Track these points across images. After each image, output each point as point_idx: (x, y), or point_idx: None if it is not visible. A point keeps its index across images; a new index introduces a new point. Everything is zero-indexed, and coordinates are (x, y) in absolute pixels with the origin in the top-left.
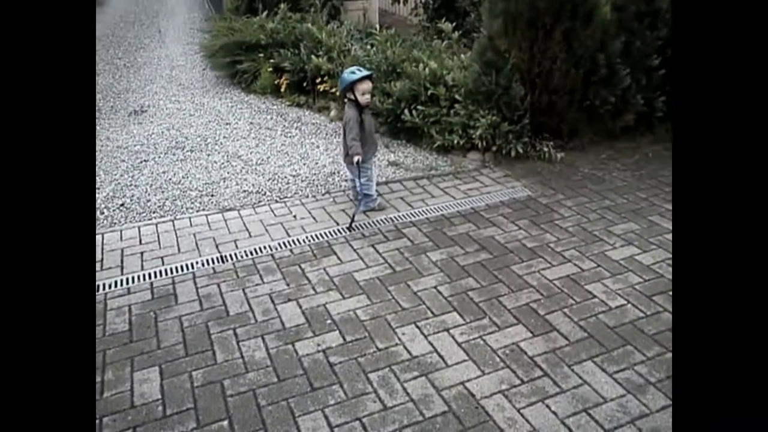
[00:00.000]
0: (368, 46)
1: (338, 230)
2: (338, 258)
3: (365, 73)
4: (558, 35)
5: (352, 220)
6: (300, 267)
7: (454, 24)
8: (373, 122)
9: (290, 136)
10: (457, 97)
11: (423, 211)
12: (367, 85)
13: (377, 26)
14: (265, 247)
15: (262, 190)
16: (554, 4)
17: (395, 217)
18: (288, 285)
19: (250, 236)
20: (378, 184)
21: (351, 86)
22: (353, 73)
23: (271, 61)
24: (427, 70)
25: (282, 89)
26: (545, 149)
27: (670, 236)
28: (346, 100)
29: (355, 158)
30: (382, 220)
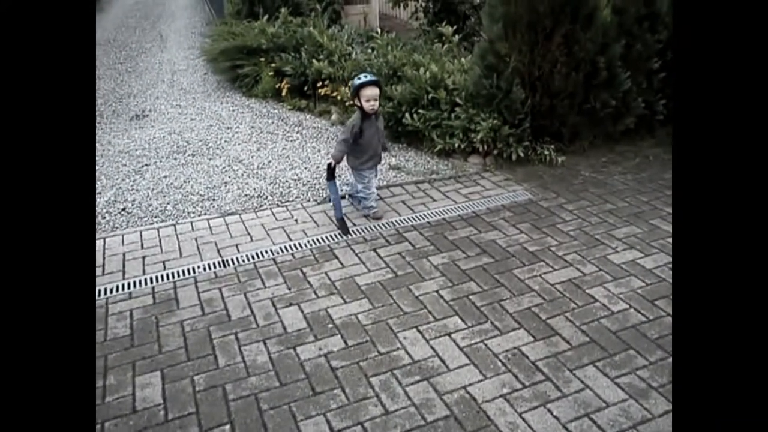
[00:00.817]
0: (369, 50)
1: (340, 234)
2: (340, 262)
3: (370, 78)
4: (558, 38)
5: (342, 225)
6: (301, 271)
7: (454, 27)
8: (381, 132)
9: (291, 140)
10: (457, 100)
11: (424, 215)
12: (371, 91)
13: (378, 30)
14: (266, 252)
15: (263, 194)
16: (554, 8)
17: (396, 221)
18: (289, 289)
19: (252, 240)
20: (379, 188)
21: (356, 92)
22: (359, 78)
23: (272, 65)
24: (427, 73)
25: (283, 93)
26: (546, 152)
27: (671, 240)
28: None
29: (329, 160)
30: (383, 224)
